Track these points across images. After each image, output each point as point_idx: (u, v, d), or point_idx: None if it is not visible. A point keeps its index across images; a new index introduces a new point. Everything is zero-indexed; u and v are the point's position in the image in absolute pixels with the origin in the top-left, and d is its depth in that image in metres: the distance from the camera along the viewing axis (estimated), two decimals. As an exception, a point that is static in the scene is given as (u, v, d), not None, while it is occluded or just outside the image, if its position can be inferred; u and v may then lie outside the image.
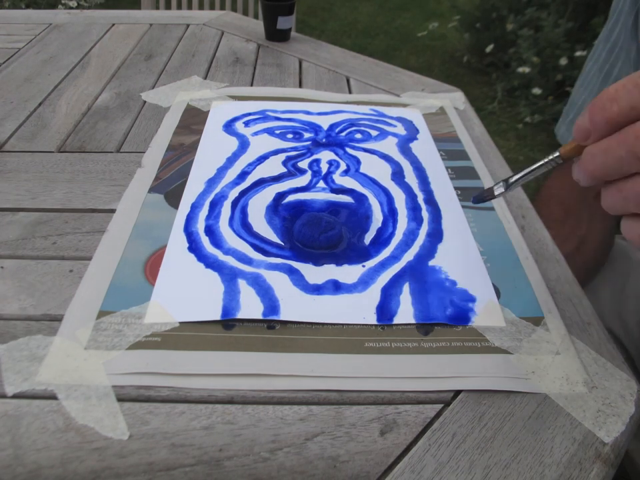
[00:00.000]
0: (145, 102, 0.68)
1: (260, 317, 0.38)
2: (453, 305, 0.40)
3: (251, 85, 0.74)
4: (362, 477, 0.30)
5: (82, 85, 0.71)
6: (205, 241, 0.44)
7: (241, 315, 0.38)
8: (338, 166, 0.55)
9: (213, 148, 0.57)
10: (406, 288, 0.41)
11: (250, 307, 0.39)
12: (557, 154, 0.34)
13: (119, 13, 0.99)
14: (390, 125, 0.63)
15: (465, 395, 0.35)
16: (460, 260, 0.44)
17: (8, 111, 0.64)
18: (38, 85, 0.71)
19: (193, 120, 0.63)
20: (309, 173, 0.54)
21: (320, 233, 0.44)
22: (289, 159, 0.56)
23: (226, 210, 0.48)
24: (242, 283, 0.40)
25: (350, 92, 0.74)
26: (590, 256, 0.66)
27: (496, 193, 0.38)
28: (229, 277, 0.41)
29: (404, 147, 0.59)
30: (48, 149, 0.57)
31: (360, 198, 0.51)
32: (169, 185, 0.51)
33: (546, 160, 0.34)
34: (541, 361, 0.36)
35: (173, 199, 0.50)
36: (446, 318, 0.39)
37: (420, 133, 0.62)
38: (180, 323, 0.38)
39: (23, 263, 0.42)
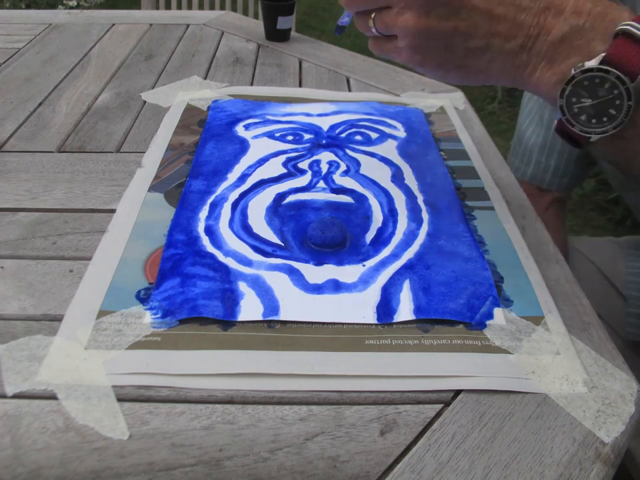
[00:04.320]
0: (144, 102, 0.68)
1: (260, 318, 0.38)
2: (454, 302, 0.40)
3: (251, 85, 0.74)
4: (362, 477, 0.30)
5: (82, 85, 0.71)
6: (205, 241, 0.44)
7: (241, 317, 0.38)
8: (338, 166, 0.55)
9: (212, 150, 0.57)
10: (406, 285, 0.41)
11: (250, 308, 0.39)
12: None
13: (119, 12, 0.99)
14: (390, 126, 0.63)
15: (465, 394, 0.35)
16: (460, 258, 0.44)
17: (8, 111, 0.64)
18: (38, 85, 0.71)
19: (193, 120, 0.63)
20: (309, 173, 0.54)
21: (326, 234, 0.44)
22: (289, 160, 0.56)
23: (226, 211, 0.48)
24: (242, 285, 0.40)
25: (350, 92, 0.74)
26: None
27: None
28: (229, 279, 0.41)
29: (404, 150, 0.59)
30: (48, 149, 0.57)
31: (360, 198, 0.51)
32: (169, 184, 0.51)
33: None
34: (541, 361, 0.36)
35: (173, 198, 0.50)
36: (447, 314, 0.39)
37: (420, 132, 0.62)
38: (180, 322, 0.38)
39: (23, 263, 0.42)
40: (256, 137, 0.60)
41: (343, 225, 0.46)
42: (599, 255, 0.72)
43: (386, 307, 0.39)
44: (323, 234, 0.44)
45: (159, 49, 0.84)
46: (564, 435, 0.33)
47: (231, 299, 0.39)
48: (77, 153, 0.57)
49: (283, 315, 0.38)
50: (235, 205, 0.49)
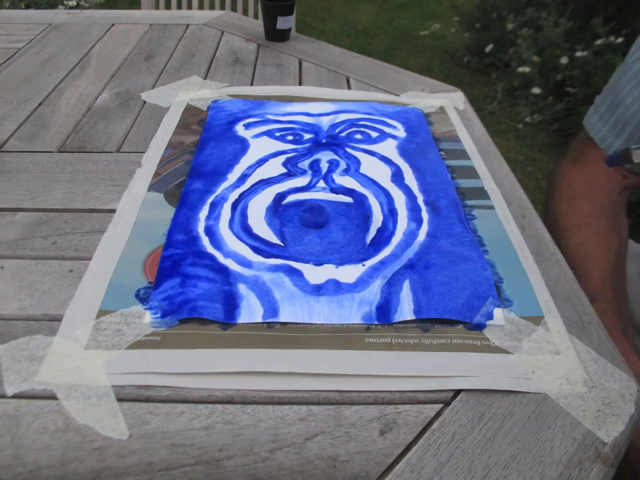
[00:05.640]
0: (144, 102, 0.68)
1: (260, 320, 0.38)
2: (454, 302, 0.40)
3: (251, 85, 0.74)
4: (362, 477, 0.30)
5: (82, 85, 0.71)
6: (205, 241, 0.44)
7: (241, 319, 0.38)
8: (338, 165, 0.55)
9: (212, 150, 0.57)
10: (406, 285, 0.41)
11: (250, 310, 0.39)
12: None
13: (118, 12, 0.99)
14: (390, 126, 0.63)
15: (465, 394, 0.35)
16: (460, 258, 0.44)
17: (8, 111, 0.64)
18: (38, 85, 0.71)
19: (193, 120, 0.63)
20: (309, 172, 0.54)
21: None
22: (288, 160, 0.56)
23: (226, 212, 0.48)
24: (242, 287, 0.40)
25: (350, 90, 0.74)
26: (624, 251, 0.60)
27: (635, 159, 0.33)
28: (229, 280, 0.41)
29: (404, 149, 0.59)
30: (48, 149, 0.57)
31: (360, 198, 0.51)
32: (169, 184, 0.51)
33: None
34: (541, 361, 0.36)
35: (173, 198, 0.50)
36: (446, 313, 0.39)
37: (420, 132, 0.62)
38: (180, 321, 0.38)
39: (23, 263, 0.42)
40: (256, 136, 0.60)
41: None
42: None
43: (386, 307, 0.39)
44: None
45: (159, 49, 0.84)
46: (564, 434, 0.33)
47: (231, 301, 0.39)
48: (77, 153, 0.57)
49: (283, 317, 0.38)
50: (234, 205, 0.49)
